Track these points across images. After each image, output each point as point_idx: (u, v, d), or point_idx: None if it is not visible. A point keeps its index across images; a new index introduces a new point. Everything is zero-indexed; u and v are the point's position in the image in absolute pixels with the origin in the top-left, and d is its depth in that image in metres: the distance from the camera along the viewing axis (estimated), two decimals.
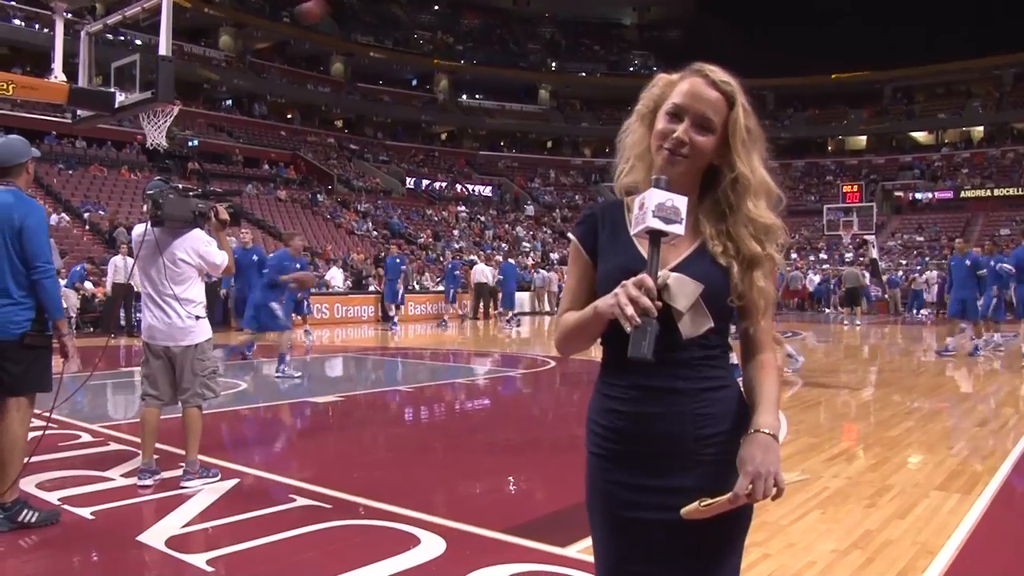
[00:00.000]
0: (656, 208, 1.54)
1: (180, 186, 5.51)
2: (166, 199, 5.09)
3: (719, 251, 1.70)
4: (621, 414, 1.70)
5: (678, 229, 1.55)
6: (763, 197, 1.74)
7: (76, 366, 5.00)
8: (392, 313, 21.37)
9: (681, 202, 1.56)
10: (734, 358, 1.82)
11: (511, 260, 28.10)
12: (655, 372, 1.63)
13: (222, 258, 5.40)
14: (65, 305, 16.82)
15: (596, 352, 1.82)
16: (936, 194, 47.07)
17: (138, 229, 5.36)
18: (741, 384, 1.78)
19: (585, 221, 1.83)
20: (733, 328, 1.77)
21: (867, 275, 27.29)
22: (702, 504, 1.57)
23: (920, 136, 54.79)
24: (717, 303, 1.67)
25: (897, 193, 48.43)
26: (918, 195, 47.63)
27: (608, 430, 1.73)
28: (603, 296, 1.62)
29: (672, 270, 1.65)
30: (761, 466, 1.58)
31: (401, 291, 21.55)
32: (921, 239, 41.93)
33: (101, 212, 26.14)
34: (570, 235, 1.85)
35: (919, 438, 6.65)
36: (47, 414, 4.82)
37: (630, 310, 1.50)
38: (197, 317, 5.21)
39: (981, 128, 52.03)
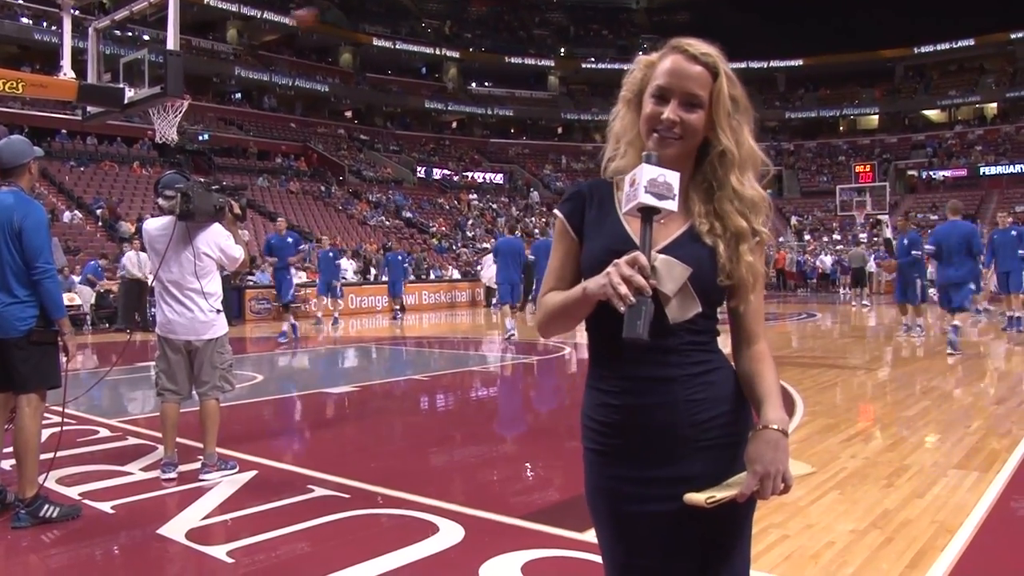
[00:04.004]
0: (648, 184, 1.50)
1: (201, 180, 5.52)
2: (195, 193, 5.10)
3: (705, 229, 1.66)
4: (614, 407, 1.66)
5: (671, 205, 1.51)
6: (749, 170, 1.70)
7: (77, 364, 5.04)
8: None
9: (674, 177, 1.52)
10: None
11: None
12: (645, 360, 1.61)
13: (240, 252, 5.42)
14: (79, 301, 17.05)
15: None
16: (951, 172, 46.68)
17: (154, 223, 5.32)
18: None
19: (572, 198, 1.78)
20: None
21: (872, 256, 26.88)
22: (708, 501, 1.54)
23: (933, 114, 54.32)
24: (706, 286, 1.63)
25: (911, 172, 48.08)
26: (932, 173, 47.24)
27: (603, 425, 1.69)
28: (589, 276, 1.58)
29: (660, 252, 1.60)
30: (770, 465, 1.54)
31: (339, 286, 17.90)
32: (935, 218, 41.60)
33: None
34: (556, 211, 1.79)
35: (936, 417, 6.62)
36: (61, 409, 4.86)
37: (623, 289, 1.44)
38: (217, 311, 5.25)
39: (995, 105, 51.50)
